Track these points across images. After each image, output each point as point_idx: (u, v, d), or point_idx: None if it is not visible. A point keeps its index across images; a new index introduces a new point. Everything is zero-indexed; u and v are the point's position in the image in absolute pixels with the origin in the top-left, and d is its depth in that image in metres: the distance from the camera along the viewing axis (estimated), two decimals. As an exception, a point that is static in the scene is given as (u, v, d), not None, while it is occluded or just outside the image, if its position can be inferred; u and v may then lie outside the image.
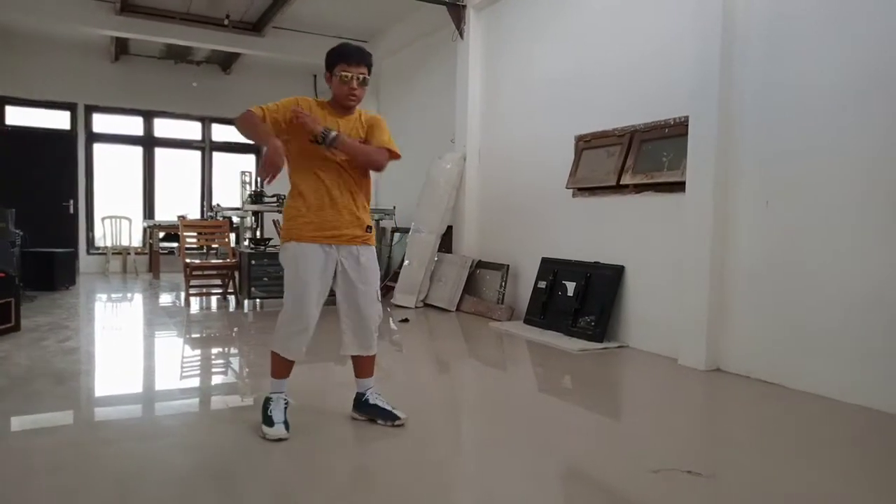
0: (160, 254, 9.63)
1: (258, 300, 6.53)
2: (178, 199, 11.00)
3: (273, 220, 9.16)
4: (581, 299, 5.09)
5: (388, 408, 2.84)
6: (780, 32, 3.79)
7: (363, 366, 2.88)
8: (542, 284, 5.59)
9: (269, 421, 2.66)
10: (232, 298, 7.02)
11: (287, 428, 2.64)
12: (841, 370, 3.43)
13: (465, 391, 3.99)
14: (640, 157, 4.75)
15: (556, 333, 5.15)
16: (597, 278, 5.08)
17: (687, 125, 4.32)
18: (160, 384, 3.79)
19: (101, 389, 3.66)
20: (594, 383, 4.00)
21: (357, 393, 2.92)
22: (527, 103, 6.11)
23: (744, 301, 3.99)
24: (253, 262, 6.40)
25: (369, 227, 2.75)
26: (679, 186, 4.40)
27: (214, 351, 4.94)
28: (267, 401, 2.74)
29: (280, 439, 2.60)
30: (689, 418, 3.31)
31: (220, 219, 7.86)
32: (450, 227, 7.07)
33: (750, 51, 3.94)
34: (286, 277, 2.68)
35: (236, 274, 6.84)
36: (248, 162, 11.54)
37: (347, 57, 2.60)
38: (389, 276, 7.78)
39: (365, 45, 9.16)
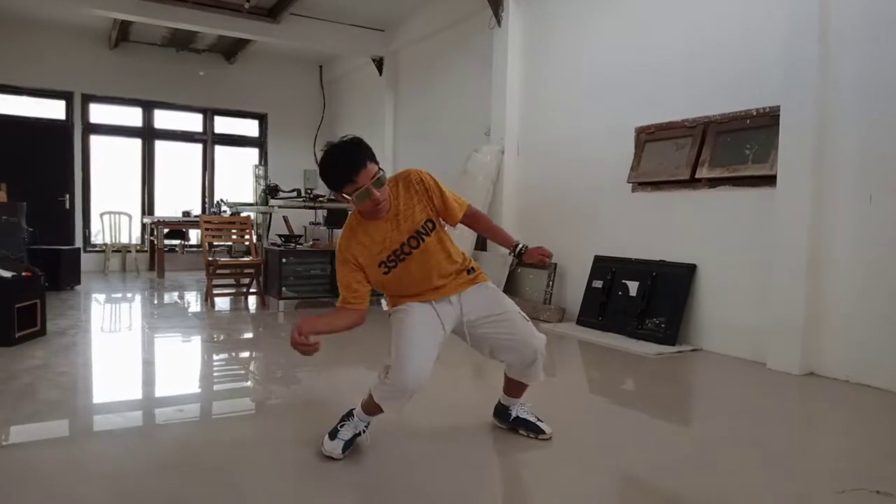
0: (164, 251, 9.16)
1: (285, 300, 6.15)
2: (179, 195, 10.53)
3: (283, 217, 8.79)
4: (646, 300, 4.85)
5: (535, 420, 2.63)
6: (885, 8, 3.58)
7: (520, 389, 2.63)
8: (598, 284, 5.34)
9: (333, 434, 2.40)
10: (252, 298, 6.64)
11: (344, 451, 2.36)
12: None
13: (571, 400, 3.70)
14: (717, 149, 4.51)
15: (618, 336, 4.90)
16: (664, 278, 4.83)
17: (774, 115, 4.10)
18: (227, 389, 3.44)
19: (169, 395, 3.30)
20: (698, 391, 3.77)
21: (501, 404, 2.68)
22: (575, 94, 5.84)
23: (842, 301, 3.78)
24: (284, 259, 6.03)
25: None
26: (765, 181, 4.17)
27: (266, 358, 4.58)
28: (347, 416, 2.45)
29: (330, 458, 2.35)
30: (826, 430, 3.08)
31: (230, 214, 7.47)
32: (485, 224, 6.77)
33: (850, 31, 3.71)
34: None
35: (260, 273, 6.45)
36: (252, 155, 11.11)
37: (346, 175, 2.12)
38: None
39: (382, 34, 9.03)
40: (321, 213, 9.24)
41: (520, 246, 2.54)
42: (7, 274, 4.08)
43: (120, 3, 7.45)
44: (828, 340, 3.84)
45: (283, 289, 6.05)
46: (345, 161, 2.14)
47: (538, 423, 2.61)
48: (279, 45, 9.40)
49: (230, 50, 10.05)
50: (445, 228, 2.43)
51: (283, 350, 4.72)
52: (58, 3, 7.62)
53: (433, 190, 2.33)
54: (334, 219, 8.84)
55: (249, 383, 3.77)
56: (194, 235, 10.30)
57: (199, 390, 3.57)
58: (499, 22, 6.59)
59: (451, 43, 7.86)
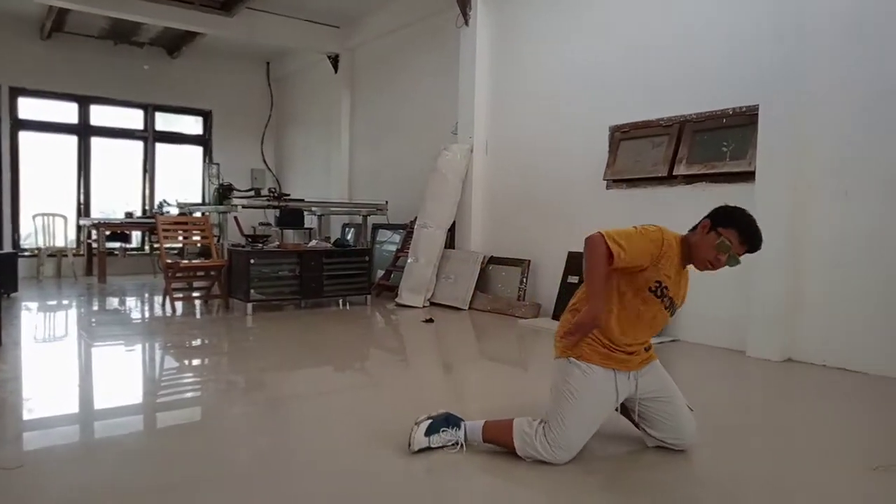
0: (105, 254, 8.63)
1: (252, 303, 5.92)
2: (118, 195, 9.96)
3: (234, 217, 8.50)
4: (627, 293, 4.96)
5: None
6: (859, 9, 3.81)
7: None
8: (574, 279, 5.42)
9: (431, 431, 2.36)
10: (214, 302, 6.36)
11: (418, 449, 2.33)
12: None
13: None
14: (694, 147, 4.68)
15: (598, 329, 4.99)
16: (642, 271, 4.96)
17: (751, 114, 4.30)
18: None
19: (133, 403, 3.10)
20: (685, 380, 3.86)
21: None
22: (547, 92, 5.92)
23: (819, 290, 4.00)
24: (252, 261, 5.80)
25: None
26: (742, 176, 4.36)
27: (253, 364, 4.39)
28: (452, 423, 2.38)
29: (418, 449, 2.33)
30: (822, 412, 3.22)
31: (190, 214, 7.14)
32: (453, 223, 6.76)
33: (826, 32, 3.93)
34: None
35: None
36: (196, 154, 10.66)
37: (748, 237, 2.24)
38: (381, 276, 7.36)
39: (338, 30, 8.85)
40: (272, 214, 8.98)
41: None
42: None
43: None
44: (805, 328, 4.05)
45: (252, 291, 5.82)
46: (758, 235, 2.28)
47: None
48: (226, 41, 9.05)
49: (174, 44, 9.60)
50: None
51: (252, 354, 4.56)
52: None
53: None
54: (288, 219, 8.60)
55: (216, 389, 3.60)
56: (136, 238, 9.79)
57: (178, 397, 3.38)
58: (466, 21, 6.60)
59: (415, 41, 7.81)
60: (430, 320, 5.58)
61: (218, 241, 6.93)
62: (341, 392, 3.47)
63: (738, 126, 4.41)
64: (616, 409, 2.39)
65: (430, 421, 2.39)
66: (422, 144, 7.44)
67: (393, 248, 7.77)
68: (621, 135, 5.22)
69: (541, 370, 4.18)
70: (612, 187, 5.29)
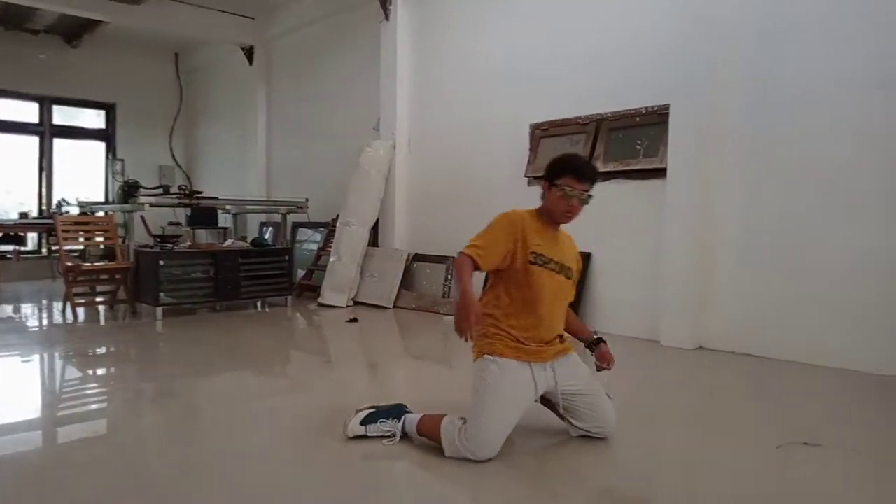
0: (-3, 258, 7.96)
1: (163, 307, 5.60)
2: (10, 194, 9.22)
3: (140, 216, 8.05)
4: (548, 288, 5.06)
5: None
6: (767, 22, 4.04)
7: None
8: (499, 275, 5.47)
9: (369, 420, 2.44)
10: (120, 307, 5.99)
11: (353, 436, 2.43)
12: (826, 339, 3.75)
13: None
14: (610, 145, 4.83)
15: (521, 324, 5.07)
16: (563, 266, 5.08)
17: (663, 113, 4.48)
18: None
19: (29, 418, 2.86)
20: (624, 369, 3.98)
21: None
22: (469, 90, 5.95)
23: (726, 281, 4.22)
24: (161, 262, 5.49)
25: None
26: (655, 173, 4.53)
27: (146, 371, 4.14)
28: (396, 413, 2.46)
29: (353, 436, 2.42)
30: (731, 395, 3.39)
31: (92, 213, 6.69)
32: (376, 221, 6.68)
33: (735, 35, 4.13)
34: None
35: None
36: (98, 149, 10.01)
37: (579, 172, 2.34)
38: (303, 276, 7.17)
39: (253, 21, 8.53)
40: (182, 213, 8.58)
41: (597, 337, 2.60)
42: None
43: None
44: (714, 317, 4.26)
45: (161, 294, 5.51)
46: (584, 165, 2.40)
47: None
48: (131, 30, 8.56)
49: (73, 32, 8.97)
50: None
51: (164, 360, 4.33)
52: None
53: (579, 263, 2.57)
54: (201, 218, 8.24)
55: (124, 399, 3.39)
56: (32, 240, 9.09)
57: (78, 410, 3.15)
58: (387, 16, 6.53)
59: (335, 34, 7.65)
60: (355, 320, 5.48)
61: (123, 242, 6.52)
62: (261, 397, 3.34)
63: (651, 125, 4.59)
64: (536, 401, 2.43)
65: (371, 411, 2.45)
66: (343, 140, 7.31)
67: (314, 246, 7.59)
68: (541, 132, 5.32)
69: (467, 367, 4.19)
70: (533, 184, 5.37)
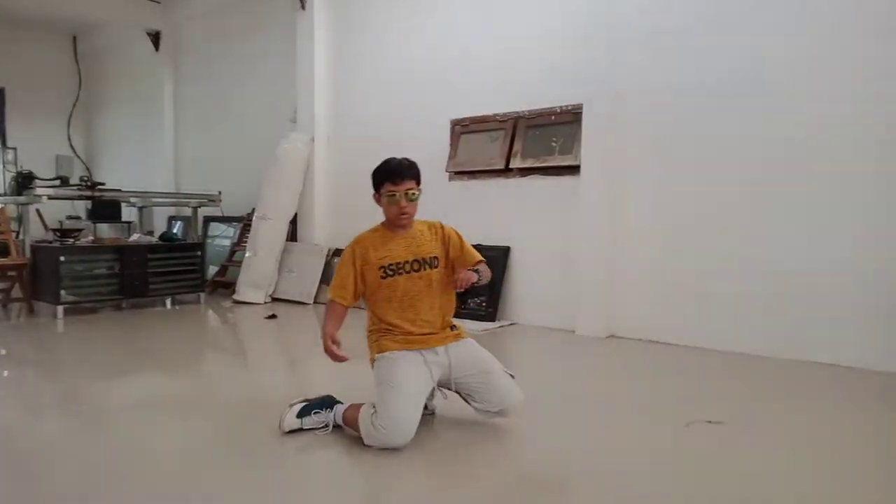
0: None
1: (64, 305, 5.25)
2: None
3: (36, 210, 7.54)
4: (468, 281, 5.16)
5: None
6: (661, 30, 4.29)
7: None
8: (420, 269, 5.52)
9: (304, 413, 2.49)
10: (14, 306, 5.57)
11: (289, 431, 2.47)
12: (726, 326, 4.05)
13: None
14: (527, 142, 4.97)
15: (442, 317, 5.14)
16: (482, 260, 5.18)
17: (576, 112, 4.67)
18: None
19: None
20: (530, 357, 4.12)
21: None
22: (390, 84, 5.93)
23: (636, 272, 4.46)
24: (62, 258, 5.15)
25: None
26: (570, 170, 4.72)
27: (47, 374, 3.88)
28: (328, 404, 2.52)
29: (289, 430, 2.47)
30: (641, 379, 3.59)
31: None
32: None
33: (637, 36, 4.36)
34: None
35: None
36: (-16, 137, 9.20)
37: (391, 175, 2.47)
38: (216, 272, 6.92)
39: (158, 5, 8.10)
40: (82, 206, 8.05)
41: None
42: None
43: None
44: (625, 306, 4.50)
45: (62, 292, 5.17)
46: (396, 166, 2.48)
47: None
48: (22, 9, 7.92)
49: (-49, 8, 8.19)
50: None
51: (66, 362, 4.08)
52: None
53: (452, 239, 2.59)
54: (102, 212, 7.74)
55: (21, 405, 3.19)
56: None
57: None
58: (303, 5, 6.39)
59: (249, 21, 7.41)
60: (273, 316, 5.37)
61: (17, 236, 6.06)
62: (172, 399, 3.18)
63: (566, 123, 4.77)
64: (435, 385, 2.50)
65: (304, 403, 2.49)
66: (259, 132, 7.11)
67: (227, 242, 7.35)
68: (461, 128, 5.40)
69: None
70: (454, 179, 5.45)
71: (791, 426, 2.71)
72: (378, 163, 2.54)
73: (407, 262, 2.50)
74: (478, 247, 5.05)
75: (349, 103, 6.30)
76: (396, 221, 2.52)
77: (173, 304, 5.89)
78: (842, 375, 3.50)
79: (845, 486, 2.11)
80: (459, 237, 2.63)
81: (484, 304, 5.06)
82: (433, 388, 2.55)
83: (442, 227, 2.62)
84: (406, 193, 2.46)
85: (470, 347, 2.56)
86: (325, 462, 2.33)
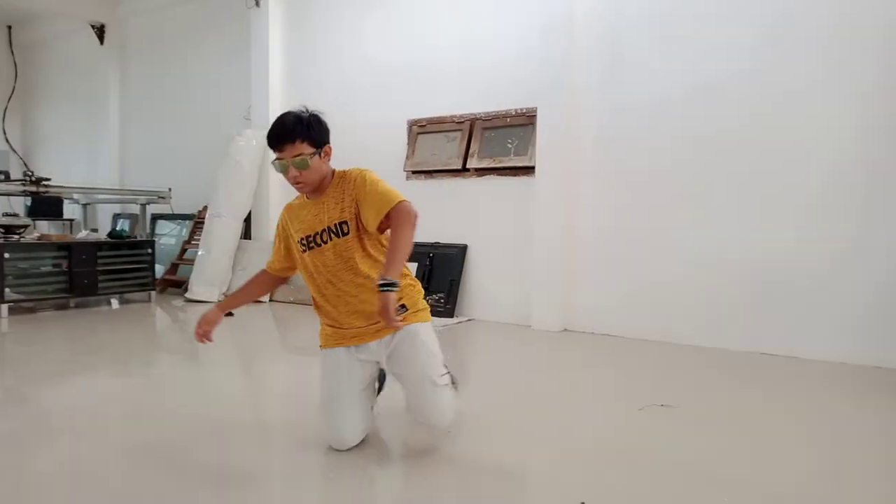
0: None
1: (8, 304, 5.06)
2: None
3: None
4: (426, 279, 5.27)
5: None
6: (617, 43, 4.52)
7: None
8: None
9: None
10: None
11: None
12: (675, 321, 4.31)
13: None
14: (483, 143, 5.12)
15: (400, 313, 5.23)
16: (440, 258, 5.31)
17: (530, 115, 4.85)
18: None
19: None
20: (487, 351, 4.26)
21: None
22: (347, 83, 5.98)
23: (588, 268, 4.67)
24: (7, 255, 4.98)
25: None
26: (525, 170, 4.89)
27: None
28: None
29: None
30: (595, 368, 3.79)
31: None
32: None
33: (591, 43, 4.57)
34: None
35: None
36: None
37: (270, 140, 2.15)
38: (166, 270, 6.80)
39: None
40: (19, 203, 7.73)
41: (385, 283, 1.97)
42: None
43: None
44: (579, 302, 4.70)
45: (7, 290, 5.00)
46: (276, 127, 2.15)
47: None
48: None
49: None
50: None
51: (10, 363, 3.97)
52: None
53: (359, 190, 2.13)
54: (42, 209, 7.48)
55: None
56: None
57: None
58: (257, 1, 6.37)
59: (201, 16, 7.30)
60: (230, 314, 5.30)
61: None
62: (121, 400, 3.08)
63: (521, 125, 4.95)
64: (376, 378, 2.36)
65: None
66: (211, 129, 7.01)
67: (173, 241, 7.24)
68: (419, 129, 5.51)
69: None
70: (411, 178, 5.55)
71: (737, 410, 2.94)
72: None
73: (316, 233, 2.18)
74: (435, 245, 5.29)
75: (305, 100, 6.17)
76: (298, 190, 2.23)
77: (122, 302, 5.77)
78: (787, 365, 3.74)
79: (782, 459, 2.33)
80: (367, 180, 2.14)
81: (442, 300, 5.18)
82: (379, 371, 2.37)
83: (345, 177, 2.18)
84: (294, 160, 2.10)
85: (410, 346, 2.19)
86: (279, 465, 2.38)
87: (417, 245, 5.31)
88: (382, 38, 5.76)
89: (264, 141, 6.41)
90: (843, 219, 3.78)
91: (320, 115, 2.22)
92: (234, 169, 6.20)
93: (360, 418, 2.26)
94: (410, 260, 5.36)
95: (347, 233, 2.16)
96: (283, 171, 2.15)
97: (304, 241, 2.22)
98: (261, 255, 6.24)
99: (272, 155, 2.21)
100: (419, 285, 2.35)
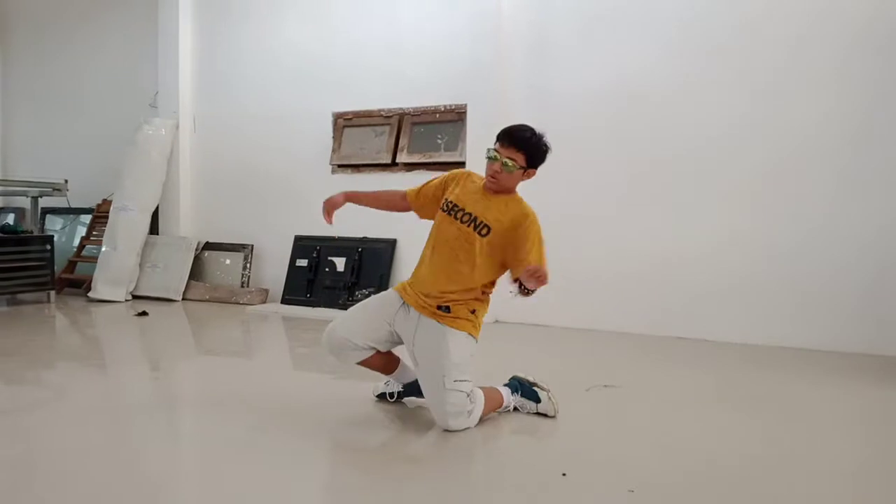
0: None
1: None
2: None
3: None
4: (355, 273, 5.24)
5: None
6: (544, 42, 4.72)
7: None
8: (303, 262, 5.49)
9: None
10: None
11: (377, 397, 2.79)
12: (602, 308, 4.59)
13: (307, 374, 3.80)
14: (413, 138, 5.16)
15: (329, 309, 5.14)
16: (369, 252, 5.30)
17: (459, 112, 4.95)
18: None
19: None
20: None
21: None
22: (268, 72, 5.78)
23: (516, 262, 4.84)
24: None
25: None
26: (455, 166, 4.96)
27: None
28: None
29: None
30: (533, 356, 3.96)
31: None
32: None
33: (519, 41, 4.74)
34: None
35: None
36: None
37: (503, 136, 2.43)
38: (63, 269, 6.26)
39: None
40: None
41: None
42: None
43: None
44: (507, 293, 4.85)
45: None
46: (514, 131, 2.43)
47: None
48: None
49: None
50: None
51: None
52: None
53: (520, 234, 2.44)
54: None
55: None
56: None
57: None
58: (164, -18, 6.01)
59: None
60: (144, 313, 5.02)
61: None
62: (12, 412, 2.76)
63: (450, 121, 5.04)
64: (391, 328, 2.49)
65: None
66: (112, 116, 6.52)
67: (64, 237, 6.69)
68: (345, 122, 5.45)
69: (268, 357, 4.18)
70: (337, 172, 5.48)
71: (672, 387, 3.21)
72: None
73: (466, 211, 2.43)
74: (364, 240, 5.26)
75: (221, 89, 6.02)
76: (487, 182, 2.46)
77: (12, 303, 5.27)
78: (715, 350, 4.05)
79: (717, 430, 2.59)
80: (530, 239, 2.45)
81: (372, 294, 5.17)
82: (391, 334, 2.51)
83: (524, 219, 2.46)
84: (506, 160, 2.37)
85: (434, 339, 2.40)
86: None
87: (345, 240, 5.34)
88: (305, 24, 5.61)
89: (174, 130, 6.11)
90: (729, 211, 4.20)
91: (549, 146, 2.50)
92: (141, 159, 5.82)
93: (358, 332, 2.47)
94: (338, 254, 5.31)
95: (483, 235, 2.42)
96: (492, 161, 2.41)
97: (451, 205, 2.48)
98: (172, 250, 5.92)
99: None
100: (485, 309, 2.63)
